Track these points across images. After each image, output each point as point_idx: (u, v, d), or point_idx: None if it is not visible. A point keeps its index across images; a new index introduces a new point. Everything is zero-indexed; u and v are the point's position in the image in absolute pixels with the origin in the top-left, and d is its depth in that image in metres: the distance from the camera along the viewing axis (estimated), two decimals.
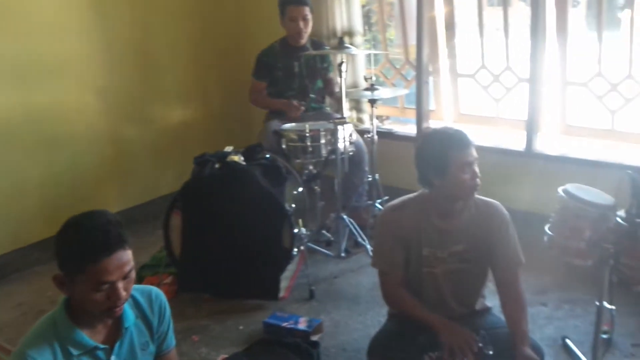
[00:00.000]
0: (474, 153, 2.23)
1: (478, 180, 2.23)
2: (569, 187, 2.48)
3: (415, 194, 2.39)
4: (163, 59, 4.70)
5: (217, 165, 3.40)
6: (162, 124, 4.76)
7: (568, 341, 2.83)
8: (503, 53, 4.43)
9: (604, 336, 2.52)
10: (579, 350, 2.74)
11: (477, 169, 2.23)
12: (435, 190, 2.28)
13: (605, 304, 2.40)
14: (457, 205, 2.30)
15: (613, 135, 4.09)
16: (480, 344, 2.12)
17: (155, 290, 2.02)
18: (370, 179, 3.96)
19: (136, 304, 1.93)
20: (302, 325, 2.96)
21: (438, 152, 2.21)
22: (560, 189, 2.48)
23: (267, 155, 3.54)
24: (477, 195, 2.32)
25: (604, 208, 2.34)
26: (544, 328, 3.01)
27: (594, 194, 2.45)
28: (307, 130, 3.59)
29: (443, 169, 2.20)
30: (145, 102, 4.62)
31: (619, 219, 2.26)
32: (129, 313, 1.89)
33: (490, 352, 2.11)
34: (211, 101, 5.12)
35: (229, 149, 3.54)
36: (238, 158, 3.42)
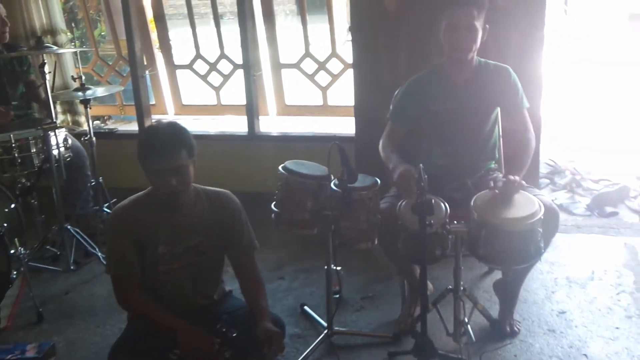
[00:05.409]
0: (181, 161, 2.13)
1: (182, 186, 2.16)
2: (288, 163, 2.58)
3: (144, 191, 2.29)
4: None
5: None
6: None
7: (306, 307, 2.98)
8: (216, 42, 4.49)
9: (336, 296, 2.70)
10: (316, 313, 2.91)
11: (189, 173, 2.16)
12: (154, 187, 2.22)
13: (333, 267, 2.58)
14: (184, 200, 2.24)
15: (325, 110, 4.42)
16: (224, 329, 2.12)
17: None
18: (94, 183, 3.73)
19: None
20: (30, 352, 2.66)
21: (139, 158, 2.16)
22: (280, 167, 2.56)
23: None
24: (208, 187, 2.32)
25: (321, 179, 2.48)
26: (283, 300, 3.13)
27: (311, 167, 2.59)
28: (13, 141, 3.25)
29: (148, 174, 2.17)
30: None
31: (333, 187, 2.42)
32: None
33: (234, 335, 2.12)
34: None
35: None
36: None
